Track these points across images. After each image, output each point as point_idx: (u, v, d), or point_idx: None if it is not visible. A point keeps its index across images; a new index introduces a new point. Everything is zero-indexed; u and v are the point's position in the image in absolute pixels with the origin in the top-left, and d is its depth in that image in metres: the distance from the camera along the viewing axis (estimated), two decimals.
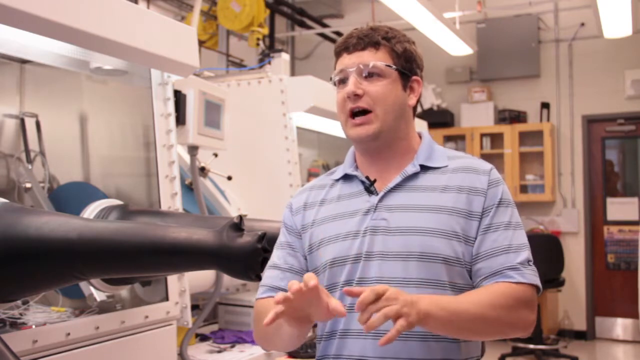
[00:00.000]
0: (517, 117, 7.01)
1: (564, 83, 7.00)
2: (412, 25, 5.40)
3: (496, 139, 7.02)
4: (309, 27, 7.32)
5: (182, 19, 6.68)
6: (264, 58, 3.52)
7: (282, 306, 1.21)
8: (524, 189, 6.95)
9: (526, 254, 1.41)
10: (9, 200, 1.55)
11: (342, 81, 1.49)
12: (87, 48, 1.87)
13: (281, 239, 1.58)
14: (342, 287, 1.43)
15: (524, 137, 6.91)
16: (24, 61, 2.11)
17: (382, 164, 1.51)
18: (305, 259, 1.53)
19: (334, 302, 1.23)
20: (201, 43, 6.16)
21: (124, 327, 1.89)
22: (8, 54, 1.92)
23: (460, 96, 7.35)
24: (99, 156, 2.35)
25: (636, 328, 6.52)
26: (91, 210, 1.85)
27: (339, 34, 7.27)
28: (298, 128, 3.32)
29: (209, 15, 6.58)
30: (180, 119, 2.41)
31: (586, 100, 6.90)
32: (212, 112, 2.57)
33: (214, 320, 2.93)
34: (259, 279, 1.48)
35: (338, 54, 1.52)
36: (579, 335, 6.75)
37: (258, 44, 5.09)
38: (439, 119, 7.10)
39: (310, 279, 1.20)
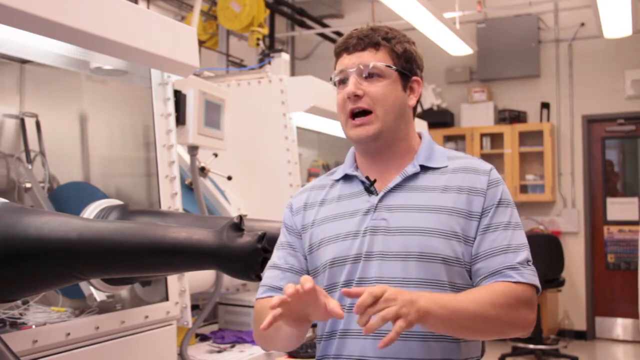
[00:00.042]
0: (517, 117, 7.01)
1: (564, 83, 7.00)
2: (412, 25, 5.40)
3: (496, 139, 7.02)
4: (309, 27, 7.32)
5: (182, 19, 6.68)
6: (264, 58, 3.52)
7: (279, 309, 1.21)
8: (524, 189, 6.95)
9: (525, 254, 1.41)
10: (9, 200, 1.55)
11: (342, 82, 1.49)
12: (87, 48, 1.87)
13: (281, 239, 1.58)
14: (342, 287, 1.43)
15: (524, 137, 6.91)
16: (24, 61, 2.11)
17: (382, 164, 1.51)
18: (306, 259, 1.53)
19: (332, 303, 1.23)
20: (201, 43, 6.16)
21: (124, 327, 1.89)
22: (8, 54, 1.92)
23: (460, 96, 7.35)
24: (99, 156, 2.35)
25: (636, 328, 6.52)
26: (91, 210, 1.85)
27: (339, 34, 7.27)
28: (298, 128, 3.32)
29: (209, 15, 6.58)
30: (180, 119, 2.41)
31: (586, 100, 6.90)
32: (212, 112, 2.57)
33: (214, 320, 2.93)
34: (259, 279, 1.49)
35: (338, 55, 1.52)
36: (579, 335, 6.75)
37: (258, 44, 5.10)
38: (439, 119, 7.10)
39: (306, 281, 1.20)
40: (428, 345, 1.37)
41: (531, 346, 5.89)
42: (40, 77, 2.18)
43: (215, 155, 2.92)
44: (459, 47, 6.15)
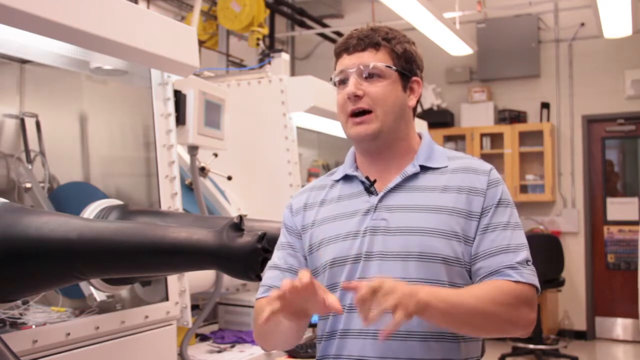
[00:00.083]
0: (517, 117, 7.01)
1: (564, 83, 7.00)
2: (412, 25, 5.40)
3: (496, 139, 7.02)
4: (309, 27, 7.32)
5: (182, 19, 6.68)
6: (264, 58, 3.52)
7: (277, 304, 1.22)
8: (524, 189, 6.95)
9: (525, 253, 1.41)
10: (9, 200, 1.55)
11: (342, 82, 1.49)
12: (87, 48, 1.87)
13: (281, 239, 1.58)
14: (342, 287, 1.43)
15: (524, 137, 6.91)
16: (24, 61, 2.11)
17: (382, 164, 1.51)
18: (306, 259, 1.53)
19: (331, 297, 1.24)
20: (201, 43, 6.16)
21: (124, 327, 1.89)
22: (8, 54, 1.92)
23: (460, 96, 7.35)
24: (99, 156, 2.35)
25: (636, 328, 6.52)
26: (91, 210, 1.85)
27: (339, 34, 7.27)
28: (298, 128, 3.32)
29: (209, 15, 6.58)
30: (180, 119, 2.41)
31: (586, 100, 6.90)
32: (212, 112, 2.57)
33: (214, 320, 2.93)
34: (259, 279, 1.49)
35: (338, 55, 1.52)
36: (579, 335, 6.75)
37: (258, 44, 5.10)
38: (439, 119, 7.10)
39: (304, 275, 1.21)
40: (428, 345, 1.37)
41: (531, 346, 5.89)
42: (40, 77, 2.18)
43: (215, 155, 2.92)
44: (459, 47, 6.15)
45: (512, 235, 1.42)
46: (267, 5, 5.89)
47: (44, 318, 1.78)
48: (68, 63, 2.03)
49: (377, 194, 1.47)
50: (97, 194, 1.99)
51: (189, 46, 2.17)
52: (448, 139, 7.15)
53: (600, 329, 6.82)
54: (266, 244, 1.45)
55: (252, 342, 2.61)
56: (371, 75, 1.46)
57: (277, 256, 1.55)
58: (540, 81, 7.08)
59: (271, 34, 6.61)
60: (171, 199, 2.19)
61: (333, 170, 1.63)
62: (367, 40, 1.48)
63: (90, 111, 2.35)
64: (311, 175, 3.79)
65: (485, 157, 6.02)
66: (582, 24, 6.85)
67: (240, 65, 6.59)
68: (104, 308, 1.85)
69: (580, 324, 6.79)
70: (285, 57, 3.44)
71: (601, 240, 6.89)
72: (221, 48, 6.41)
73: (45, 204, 1.96)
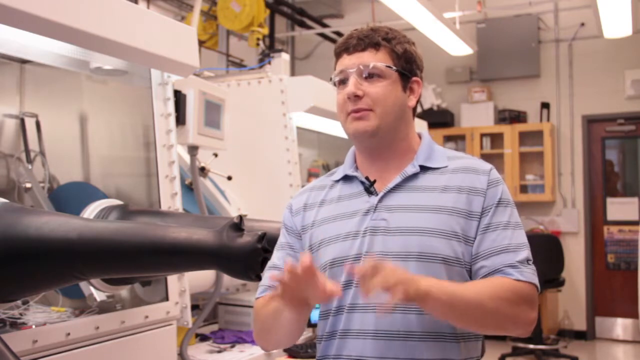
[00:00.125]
0: (517, 117, 7.01)
1: (564, 83, 7.00)
2: (412, 25, 5.40)
3: (496, 139, 7.02)
4: (309, 27, 7.32)
5: (182, 19, 6.68)
6: (264, 58, 3.52)
7: (280, 288, 1.26)
8: (524, 189, 6.95)
9: (525, 253, 1.41)
10: (9, 200, 1.55)
11: (342, 82, 1.49)
12: (87, 48, 1.87)
13: (281, 239, 1.58)
14: (342, 288, 1.43)
15: (524, 137, 6.91)
16: (24, 61, 2.11)
17: (382, 164, 1.51)
18: None
19: (331, 284, 1.27)
20: (201, 43, 6.16)
21: (124, 327, 1.89)
22: (8, 54, 1.92)
23: (460, 96, 7.35)
24: (99, 156, 2.35)
25: (636, 328, 6.52)
26: (91, 210, 1.85)
27: (339, 34, 7.27)
28: (298, 128, 3.32)
29: (209, 15, 6.59)
30: (180, 119, 2.41)
31: (586, 100, 6.90)
32: (212, 112, 2.57)
33: (214, 320, 2.93)
34: (259, 279, 1.49)
35: (338, 55, 1.52)
36: (579, 335, 6.75)
37: (258, 44, 5.10)
38: (439, 119, 7.10)
39: (306, 258, 1.23)
40: (428, 345, 1.37)
41: (531, 346, 5.89)
42: (40, 77, 2.18)
43: (215, 155, 2.92)
44: (459, 47, 6.15)
45: (513, 234, 1.42)
46: (267, 5, 5.89)
47: (44, 318, 1.78)
48: (68, 63, 2.03)
49: (377, 194, 1.47)
50: (97, 194, 1.99)
51: (189, 46, 2.17)
52: (448, 139, 7.15)
53: (600, 329, 6.82)
54: (266, 244, 1.45)
55: (252, 342, 2.61)
56: (371, 75, 1.46)
57: (277, 256, 1.55)
58: (540, 81, 7.08)
59: (271, 34, 6.61)
60: (171, 199, 2.19)
61: (333, 170, 1.63)
62: (367, 40, 1.48)
63: (90, 111, 2.35)
64: (311, 175, 3.79)
65: (485, 157, 6.01)
66: (582, 24, 6.85)
67: (240, 65, 6.59)
68: (104, 308, 1.85)
69: (580, 324, 6.79)
70: (285, 57, 3.44)
71: (601, 240, 6.89)
72: (221, 48, 6.42)
73: (45, 204, 1.96)
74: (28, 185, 1.97)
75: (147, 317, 1.97)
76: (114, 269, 1.57)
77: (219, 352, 2.55)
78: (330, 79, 1.53)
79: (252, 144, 3.25)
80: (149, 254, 1.47)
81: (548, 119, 6.95)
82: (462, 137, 7.11)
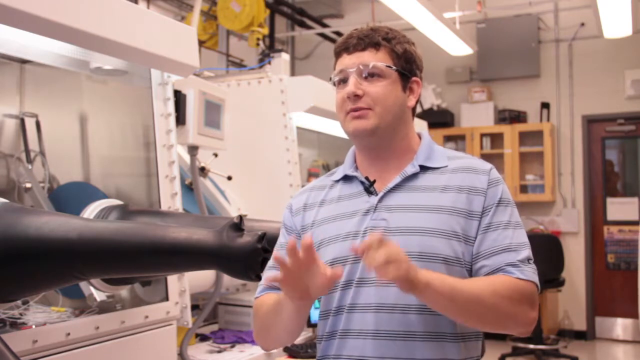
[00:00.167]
0: (517, 117, 7.01)
1: (564, 83, 7.00)
2: (412, 25, 5.40)
3: (496, 139, 7.02)
4: (309, 27, 7.32)
5: (182, 19, 6.68)
6: (264, 58, 3.52)
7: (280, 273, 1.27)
8: (524, 189, 6.95)
9: (526, 252, 1.41)
10: (9, 200, 1.55)
11: (342, 81, 1.49)
12: (87, 48, 1.87)
13: (281, 239, 1.58)
14: (342, 288, 1.43)
15: (524, 137, 6.91)
16: (24, 61, 2.11)
17: (382, 164, 1.51)
18: None
19: (331, 269, 1.28)
20: (201, 43, 6.16)
21: (124, 327, 1.89)
22: (8, 54, 1.92)
23: (460, 96, 7.35)
24: (99, 156, 2.35)
25: (636, 328, 6.52)
26: (91, 210, 1.85)
27: (339, 34, 7.27)
28: (298, 128, 3.32)
29: (209, 15, 6.59)
30: (180, 119, 2.41)
31: (586, 100, 6.90)
32: (212, 112, 2.57)
33: (214, 320, 2.93)
34: (259, 279, 1.49)
35: (338, 54, 1.52)
36: (579, 335, 6.75)
37: (258, 44, 5.10)
38: (439, 119, 7.10)
39: (307, 237, 1.26)
40: (428, 345, 1.37)
41: (531, 346, 5.89)
42: (40, 77, 2.18)
43: (215, 155, 2.92)
44: (459, 47, 6.15)
45: (514, 234, 1.42)
46: (267, 5, 5.89)
47: (44, 318, 1.78)
48: (68, 63, 2.03)
49: (376, 194, 1.47)
50: (97, 194, 1.99)
51: (189, 46, 2.17)
52: (448, 139, 7.15)
53: (600, 329, 6.82)
54: (266, 244, 1.45)
55: (252, 342, 2.61)
56: (371, 75, 1.46)
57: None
58: (540, 81, 7.08)
59: (271, 34, 6.61)
60: (171, 199, 2.19)
61: (333, 170, 1.63)
62: (367, 40, 1.48)
63: (90, 111, 2.35)
64: (311, 175, 3.79)
65: (485, 157, 6.00)
66: (582, 24, 6.85)
67: (240, 65, 6.59)
68: (104, 308, 1.85)
69: (580, 324, 6.79)
70: (285, 57, 3.44)
71: (601, 240, 6.89)
72: (221, 48, 6.42)
73: (45, 204, 1.96)
74: (28, 185, 1.97)
75: (147, 317, 1.97)
76: (114, 269, 1.57)
77: (219, 352, 2.55)
78: (330, 79, 1.53)
79: (252, 144, 3.25)
80: (149, 254, 1.47)
81: (548, 119, 6.95)
82: (462, 137, 7.11)
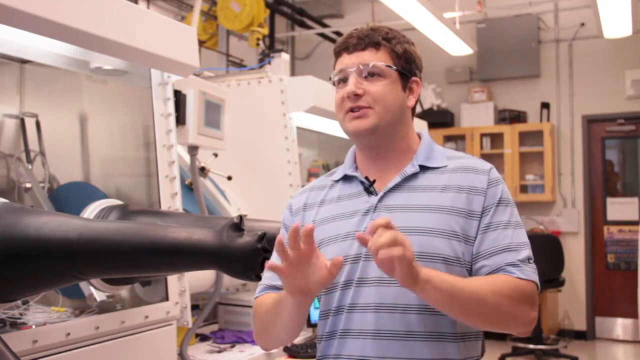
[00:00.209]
0: (517, 117, 7.01)
1: (564, 83, 7.00)
2: (412, 25, 5.40)
3: (496, 139, 7.03)
4: (309, 27, 7.32)
5: (182, 19, 6.68)
6: (264, 58, 3.52)
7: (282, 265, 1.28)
8: (524, 189, 6.95)
9: (527, 252, 1.41)
10: (9, 200, 1.55)
11: (342, 81, 1.49)
12: (87, 48, 1.87)
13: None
14: (341, 288, 1.43)
15: (524, 137, 6.91)
16: (24, 61, 2.11)
17: (382, 164, 1.51)
18: None
19: (331, 261, 1.28)
20: (201, 43, 6.16)
21: (124, 327, 1.89)
22: (8, 54, 1.92)
23: (460, 96, 7.35)
24: (99, 156, 2.35)
25: (636, 328, 6.51)
26: (91, 210, 1.85)
27: (339, 34, 7.27)
28: (298, 128, 3.32)
29: (209, 15, 6.59)
30: (180, 119, 2.41)
31: (586, 100, 6.90)
32: (212, 112, 2.57)
33: (214, 320, 2.93)
34: (259, 279, 1.49)
35: (338, 54, 1.52)
36: (579, 335, 6.75)
37: (258, 44, 5.10)
38: (439, 119, 7.10)
39: (309, 225, 1.26)
40: (428, 345, 1.37)
41: (531, 346, 5.89)
42: (40, 77, 2.18)
43: (215, 155, 2.92)
44: (459, 47, 6.15)
45: (514, 234, 1.42)
46: (267, 5, 5.89)
47: (44, 318, 1.78)
48: (68, 63, 2.03)
49: (376, 194, 1.48)
50: (97, 194, 1.99)
51: (189, 46, 2.17)
52: (448, 139, 7.15)
53: (600, 329, 6.82)
54: (266, 244, 1.45)
55: (252, 342, 2.61)
56: (371, 75, 1.46)
57: (276, 257, 1.54)
58: (540, 81, 7.08)
59: (271, 34, 6.61)
60: (171, 199, 2.19)
61: (333, 170, 1.63)
62: (368, 40, 1.48)
63: (90, 111, 2.35)
64: (311, 175, 3.79)
65: (485, 157, 5.99)
66: (582, 24, 6.85)
67: (240, 65, 6.59)
68: (104, 308, 1.85)
69: (580, 324, 6.79)
70: (285, 57, 3.44)
71: (601, 240, 6.89)
72: (221, 48, 6.42)
73: (45, 204, 1.96)
74: (28, 185, 1.97)
75: (147, 317, 1.97)
76: (114, 269, 1.57)
77: (219, 352, 2.55)
78: (330, 79, 1.53)
79: (252, 144, 3.25)
80: (149, 254, 1.47)
81: (548, 119, 6.96)
82: (462, 137, 7.11)
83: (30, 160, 2.07)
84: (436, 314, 1.36)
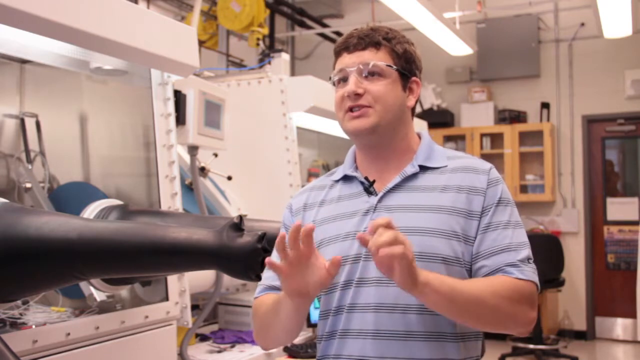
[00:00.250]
0: (517, 117, 7.01)
1: (564, 83, 7.00)
2: (412, 25, 5.40)
3: (496, 139, 7.03)
4: (309, 27, 7.32)
5: (182, 19, 6.68)
6: (264, 58, 3.52)
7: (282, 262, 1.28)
8: (524, 189, 6.95)
9: (526, 252, 1.41)
10: (9, 200, 1.55)
11: (342, 80, 1.49)
12: (87, 48, 1.87)
13: None
14: (341, 288, 1.43)
15: (524, 137, 6.91)
16: (24, 61, 2.11)
17: (382, 164, 1.51)
18: None
19: (329, 261, 1.28)
20: (201, 43, 6.16)
21: (124, 327, 1.89)
22: (8, 54, 1.92)
23: (460, 96, 7.35)
24: (99, 156, 2.35)
25: (636, 328, 6.51)
26: (91, 210, 1.85)
27: (339, 34, 7.27)
28: (298, 128, 3.32)
29: (209, 15, 6.59)
30: (180, 119, 2.41)
31: (586, 100, 6.90)
32: (212, 112, 2.57)
33: (214, 320, 2.93)
34: (259, 279, 1.49)
35: (338, 54, 1.52)
36: (579, 335, 6.75)
37: (258, 44, 5.10)
38: (439, 119, 7.10)
39: (309, 225, 1.26)
40: (428, 345, 1.37)
41: (531, 346, 5.89)
42: (40, 77, 2.18)
43: (215, 155, 2.92)
44: (459, 47, 6.15)
45: (514, 233, 1.42)
46: (267, 5, 5.89)
47: (44, 318, 1.78)
48: (68, 63, 2.03)
49: (376, 194, 1.48)
50: (97, 194, 1.99)
51: (189, 46, 2.17)
52: (448, 139, 7.16)
53: (600, 329, 6.82)
54: (266, 244, 1.45)
55: (252, 342, 2.61)
56: (371, 74, 1.46)
57: (276, 257, 1.54)
58: (540, 81, 7.08)
59: (271, 34, 6.61)
60: (171, 199, 2.19)
61: (333, 170, 1.63)
62: (368, 40, 1.48)
63: (90, 111, 2.35)
64: (311, 175, 3.79)
65: (485, 157, 5.98)
66: (582, 24, 6.85)
67: (240, 65, 6.59)
68: (104, 308, 1.85)
69: (580, 324, 6.79)
70: (285, 57, 3.44)
71: (601, 240, 6.89)
72: (221, 48, 6.42)
73: (45, 204, 1.96)
74: (28, 185, 1.97)
75: (147, 317, 1.97)
76: (114, 269, 1.57)
77: (219, 352, 2.55)
78: (330, 78, 1.53)
79: (252, 144, 3.25)
80: (149, 254, 1.47)
81: (548, 119, 6.96)
82: (462, 137, 7.12)
83: (30, 160, 2.07)
84: (436, 314, 1.36)
